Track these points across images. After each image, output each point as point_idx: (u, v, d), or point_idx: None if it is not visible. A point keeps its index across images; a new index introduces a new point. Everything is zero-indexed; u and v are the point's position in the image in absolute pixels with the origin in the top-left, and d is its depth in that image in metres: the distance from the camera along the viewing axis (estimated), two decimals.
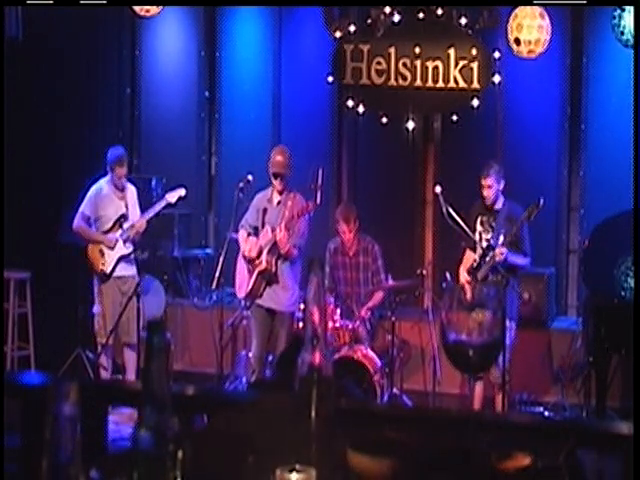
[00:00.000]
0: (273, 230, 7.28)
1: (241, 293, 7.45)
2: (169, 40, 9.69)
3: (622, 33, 7.80)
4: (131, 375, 7.83)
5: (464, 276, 7.21)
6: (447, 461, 1.74)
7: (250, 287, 7.35)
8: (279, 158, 7.40)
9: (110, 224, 7.76)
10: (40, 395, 1.47)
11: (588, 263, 7.55)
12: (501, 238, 7.03)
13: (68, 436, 1.38)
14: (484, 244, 7.16)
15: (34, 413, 1.89)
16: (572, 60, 8.63)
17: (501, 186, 7.23)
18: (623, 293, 7.07)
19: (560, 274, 8.69)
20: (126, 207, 7.81)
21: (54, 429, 1.37)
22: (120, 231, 7.76)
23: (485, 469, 1.72)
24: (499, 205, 7.25)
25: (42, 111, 8.72)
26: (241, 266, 7.44)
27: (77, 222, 7.77)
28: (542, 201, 6.90)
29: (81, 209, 7.76)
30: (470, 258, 7.27)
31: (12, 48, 8.28)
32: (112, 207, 7.76)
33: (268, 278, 7.33)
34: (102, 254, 7.73)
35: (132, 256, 7.83)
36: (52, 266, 8.66)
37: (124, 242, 7.75)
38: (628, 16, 7.75)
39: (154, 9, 8.55)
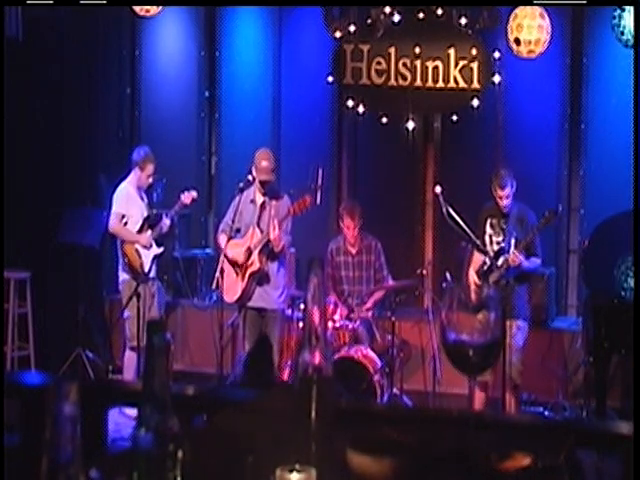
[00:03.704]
0: (262, 230, 7.27)
1: (231, 297, 7.41)
2: (169, 40, 9.69)
3: (622, 33, 7.80)
4: (129, 375, 7.85)
5: (474, 278, 7.16)
6: (447, 461, 1.74)
7: (242, 289, 7.34)
8: (265, 164, 7.32)
9: (138, 225, 7.78)
10: (40, 395, 1.47)
11: (588, 263, 7.55)
12: (513, 241, 7.01)
13: (68, 436, 1.38)
14: (495, 247, 7.14)
15: (34, 413, 1.89)
16: (572, 60, 8.63)
17: (514, 190, 7.16)
18: (623, 293, 7.06)
19: (560, 274, 8.69)
20: (148, 209, 7.86)
21: (54, 429, 1.37)
22: (150, 232, 7.80)
23: (485, 469, 1.72)
24: (509, 208, 7.20)
25: (42, 111, 8.72)
26: (228, 270, 7.41)
27: (113, 223, 7.76)
28: (560, 208, 6.90)
29: (115, 210, 7.74)
30: (479, 259, 7.23)
31: (12, 48, 8.28)
32: (138, 208, 7.80)
33: (259, 278, 7.33)
34: (139, 254, 7.74)
35: None
36: (52, 266, 8.67)
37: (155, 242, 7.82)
38: (628, 16, 7.74)
39: (154, 9, 8.55)
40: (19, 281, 8.44)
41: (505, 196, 7.10)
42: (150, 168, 7.77)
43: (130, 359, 7.83)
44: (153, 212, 8.01)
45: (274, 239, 7.16)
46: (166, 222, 7.86)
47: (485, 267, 7.13)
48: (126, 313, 7.72)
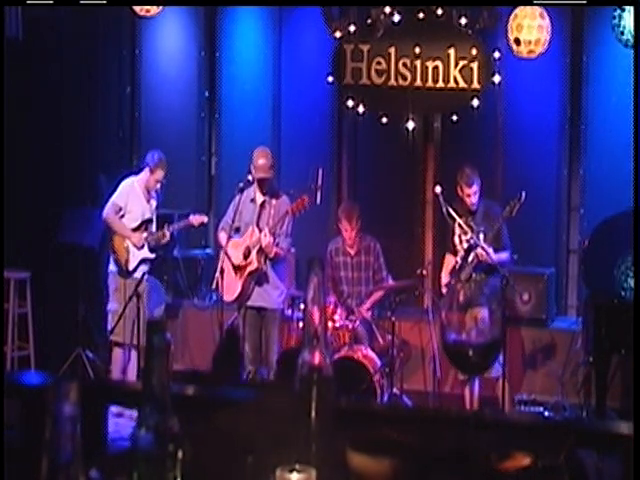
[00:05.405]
0: (260, 230, 7.28)
1: (230, 296, 7.42)
2: (169, 40, 9.69)
3: (622, 33, 7.80)
4: (116, 371, 7.86)
5: (445, 278, 7.28)
6: (447, 461, 1.74)
7: (240, 288, 7.35)
8: (262, 162, 7.35)
9: (136, 224, 7.80)
10: (40, 395, 1.47)
11: (588, 263, 7.55)
12: (482, 237, 7.08)
13: (68, 436, 1.38)
14: (464, 245, 7.21)
15: (34, 413, 1.89)
16: (572, 60, 8.63)
17: (480, 187, 7.30)
18: (623, 293, 7.07)
19: (560, 274, 8.68)
20: (151, 212, 7.87)
21: (54, 429, 1.37)
22: (146, 234, 7.79)
23: (485, 469, 1.72)
24: (476, 205, 7.31)
25: (42, 111, 8.72)
26: (227, 269, 7.41)
27: (108, 211, 7.78)
28: (524, 195, 6.95)
29: (113, 199, 7.78)
30: (450, 261, 7.33)
31: (12, 48, 8.28)
32: (140, 207, 7.82)
33: (257, 277, 7.34)
34: (128, 251, 7.76)
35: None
36: (52, 266, 8.67)
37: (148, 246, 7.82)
38: (628, 16, 7.74)
39: (154, 9, 8.55)
40: (19, 281, 8.44)
41: (473, 193, 7.23)
42: (160, 174, 7.79)
43: (117, 355, 7.84)
44: (154, 216, 7.99)
45: (266, 246, 7.19)
46: (166, 234, 7.85)
47: (457, 266, 7.22)
48: (109, 306, 7.75)
